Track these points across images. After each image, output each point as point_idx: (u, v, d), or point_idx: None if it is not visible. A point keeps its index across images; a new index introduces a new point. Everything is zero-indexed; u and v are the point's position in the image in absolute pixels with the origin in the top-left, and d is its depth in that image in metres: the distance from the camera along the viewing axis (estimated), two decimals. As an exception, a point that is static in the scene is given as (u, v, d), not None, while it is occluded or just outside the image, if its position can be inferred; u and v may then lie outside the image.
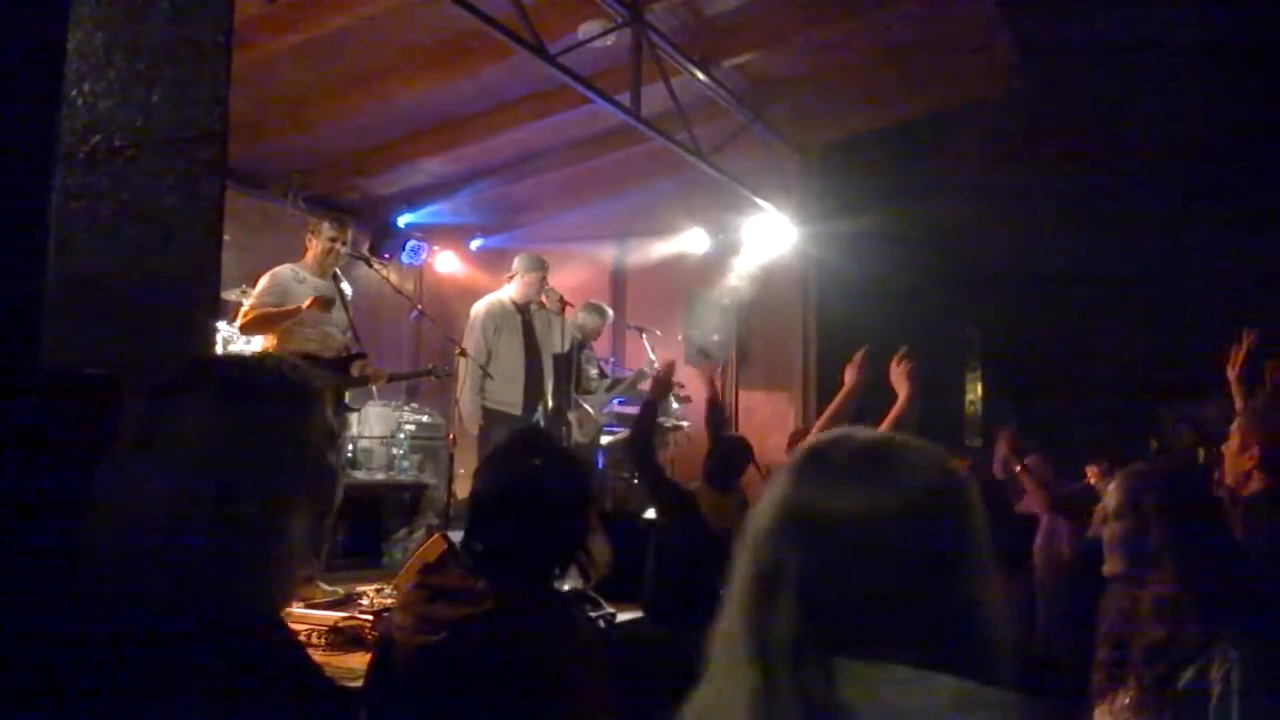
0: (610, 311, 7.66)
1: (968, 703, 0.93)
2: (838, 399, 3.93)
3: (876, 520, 1.03)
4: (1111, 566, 2.08)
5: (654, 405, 4.74)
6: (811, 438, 1.29)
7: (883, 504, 1.04)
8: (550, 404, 6.57)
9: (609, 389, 7.42)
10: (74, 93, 2.12)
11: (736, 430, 6.95)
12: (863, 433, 1.14)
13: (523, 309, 6.58)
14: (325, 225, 5.42)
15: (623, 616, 4.45)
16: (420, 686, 1.92)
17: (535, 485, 2.06)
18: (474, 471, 2.29)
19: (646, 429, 4.68)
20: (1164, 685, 1.86)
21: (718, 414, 5.19)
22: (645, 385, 7.86)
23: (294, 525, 1.23)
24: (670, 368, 4.83)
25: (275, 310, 5.13)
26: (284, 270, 5.27)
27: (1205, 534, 1.98)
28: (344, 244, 5.49)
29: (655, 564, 4.59)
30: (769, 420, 8.24)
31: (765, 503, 1.09)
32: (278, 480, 1.22)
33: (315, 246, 5.41)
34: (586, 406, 7.11)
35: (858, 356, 3.91)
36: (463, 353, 6.27)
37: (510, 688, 1.87)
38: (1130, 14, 7.24)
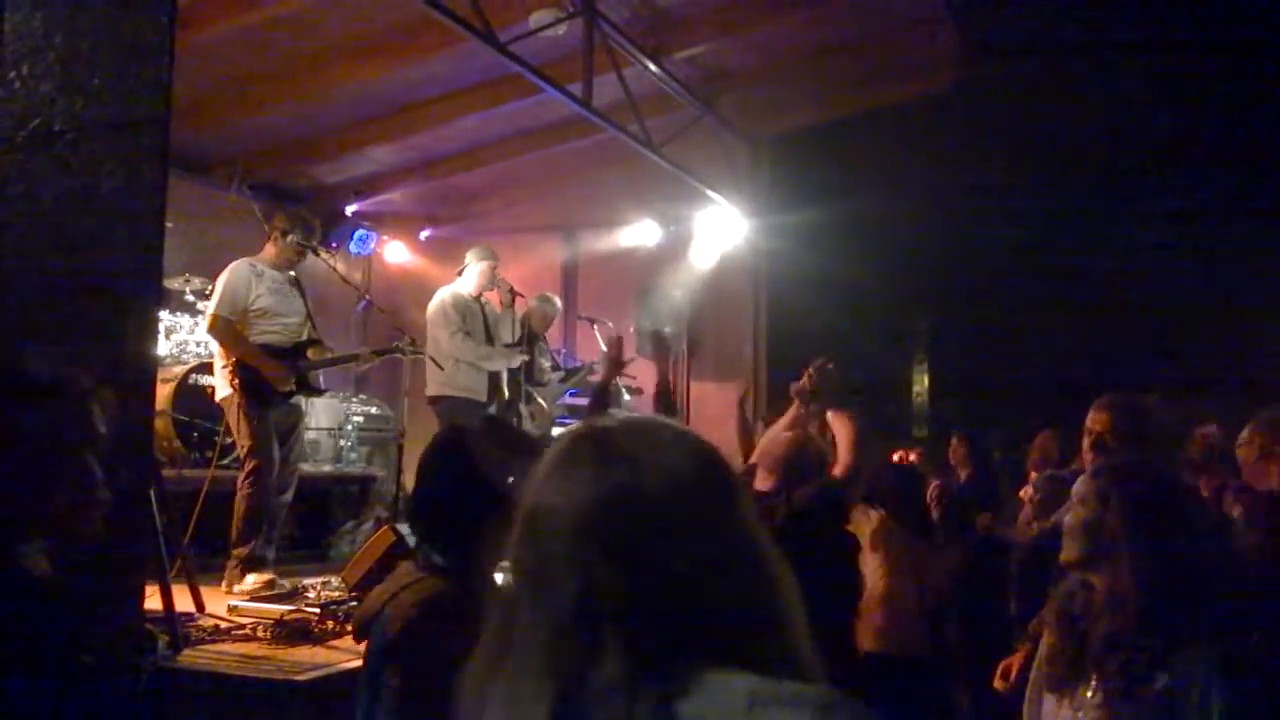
0: (558, 302, 7.64)
1: (763, 700, 0.90)
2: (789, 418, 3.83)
3: (668, 509, 0.98)
4: (1067, 554, 2.10)
5: (606, 387, 4.73)
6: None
7: (672, 491, 0.99)
8: (505, 395, 6.56)
9: (561, 380, 7.40)
10: (12, 75, 2.07)
11: (687, 421, 6.96)
12: (614, 418, 1.08)
13: (479, 300, 6.58)
14: (298, 234, 5.36)
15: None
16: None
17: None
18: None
19: (600, 412, 4.67)
20: (1133, 686, 1.87)
21: (666, 401, 5.20)
22: (596, 377, 7.88)
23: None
24: (619, 344, 4.80)
25: (240, 345, 5.05)
26: (242, 266, 5.24)
27: (1167, 533, 1.98)
28: (311, 247, 5.45)
29: None
30: (720, 411, 8.27)
31: (541, 504, 1.02)
32: None
33: (281, 246, 5.35)
34: (539, 399, 7.10)
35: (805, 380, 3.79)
36: (412, 343, 6.22)
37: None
38: (1073, 13, 7.38)
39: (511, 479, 2.06)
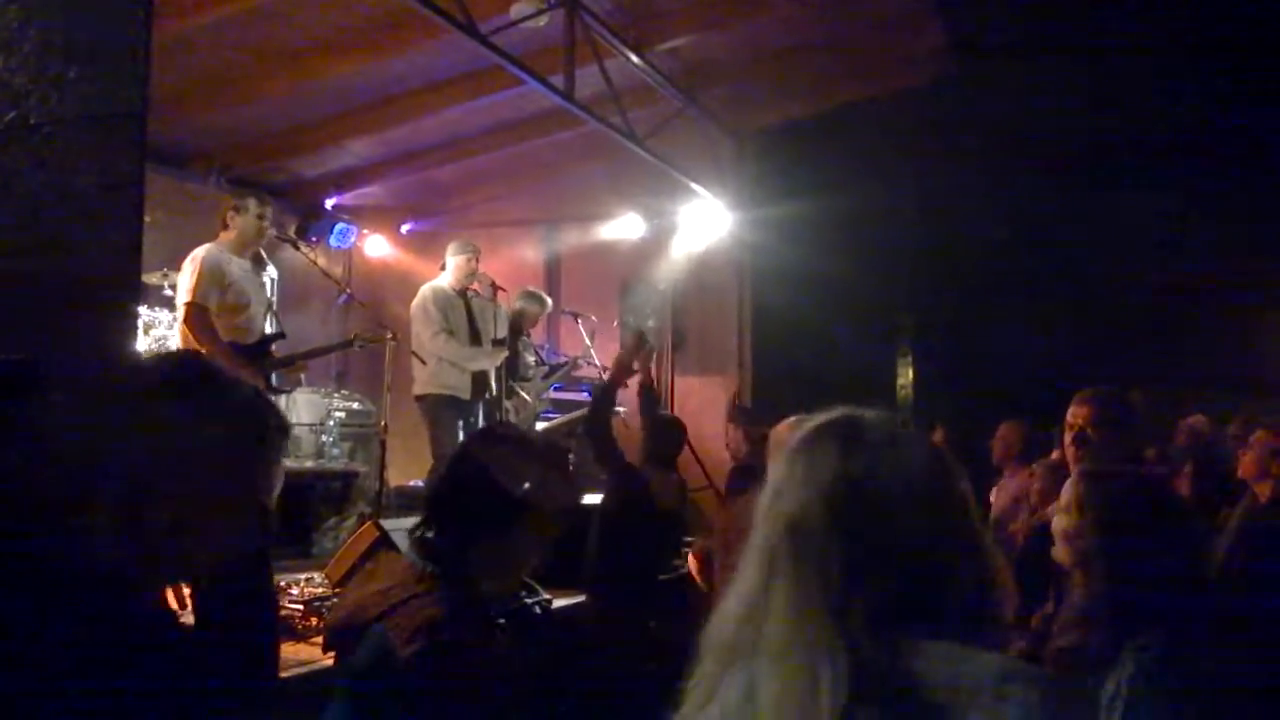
0: (549, 300, 7.62)
1: (1009, 677, 1.01)
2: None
3: (912, 493, 1.10)
4: (1059, 555, 2.10)
5: (614, 388, 4.75)
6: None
7: (914, 478, 1.11)
8: (493, 391, 6.54)
9: (545, 377, 7.39)
10: (-15, 66, 2.03)
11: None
12: (869, 412, 1.20)
13: (462, 295, 6.54)
14: (251, 202, 5.21)
15: (559, 602, 4.43)
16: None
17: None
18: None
19: (605, 412, 4.68)
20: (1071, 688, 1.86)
21: (650, 396, 5.20)
22: (579, 372, 7.87)
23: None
24: (634, 349, 4.82)
25: (212, 340, 4.93)
26: (211, 250, 5.05)
27: (1138, 546, 1.95)
28: (269, 222, 5.33)
29: (601, 546, 4.58)
30: (704, 405, 8.27)
31: (793, 482, 1.14)
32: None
33: (238, 224, 5.19)
34: (523, 394, 7.09)
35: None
36: (394, 337, 6.18)
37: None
38: (1059, 8, 7.39)
39: (529, 484, 1.99)
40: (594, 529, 4.64)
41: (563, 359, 7.86)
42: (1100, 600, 1.92)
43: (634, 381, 5.28)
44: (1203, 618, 1.86)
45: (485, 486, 1.97)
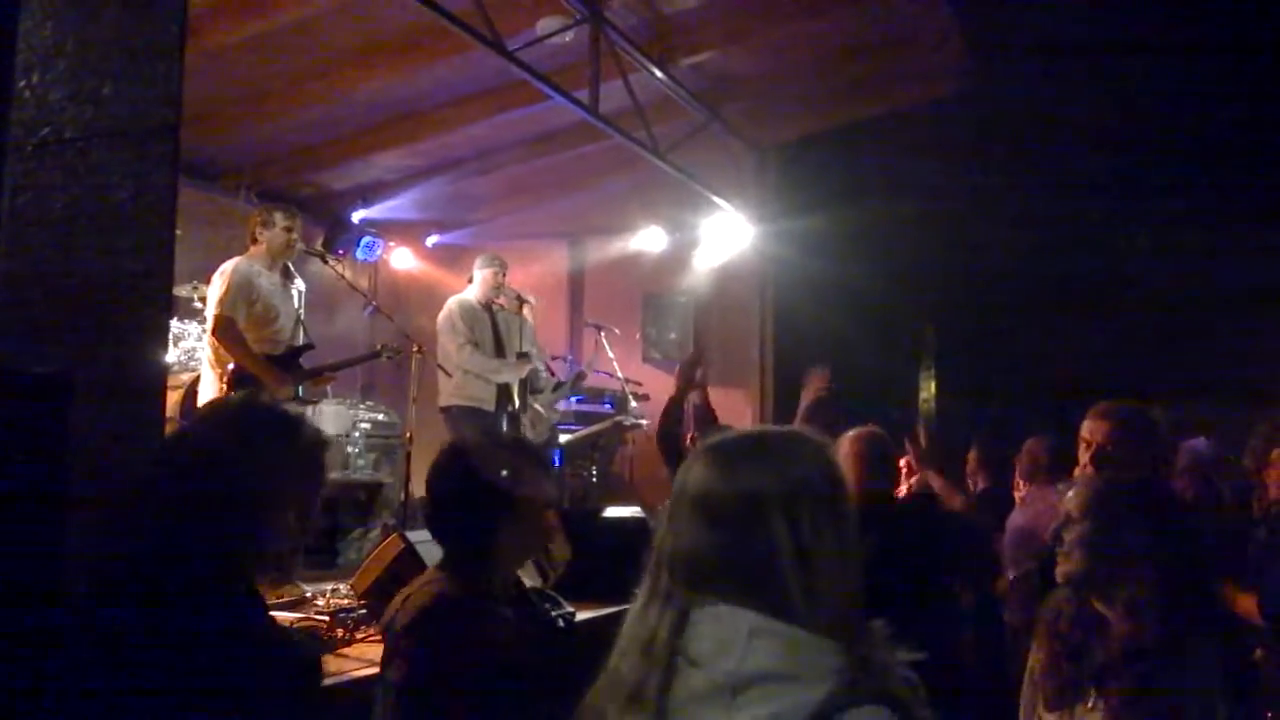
0: (531, 299, 7.53)
1: (760, 631, 1.18)
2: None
3: (719, 496, 1.31)
4: (1067, 567, 2.08)
5: (680, 401, 4.77)
6: None
7: (730, 484, 1.32)
8: (516, 404, 6.57)
9: (554, 390, 7.38)
10: (23, 83, 2.07)
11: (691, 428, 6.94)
12: (742, 430, 1.48)
13: (488, 308, 6.57)
14: (279, 215, 5.26)
15: (583, 615, 4.43)
16: None
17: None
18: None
19: (672, 426, 4.71)
20: (1145, 685, 1.86)
21: (707, 419, 5.09)
22: (602, 384, 7.88)
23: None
24: (694, 363, 4.83)
25: (243, 350, 4.98)
26: (241, 264, 5.10)
27: (1179, 539, 1.99)
28: (297, 234, 5.38)
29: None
30: (725, 418, 8.22)
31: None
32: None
33: (267, 237, 5.24)
34: (537, 406, 7.10)
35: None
36: (419, 349, 6.23)
37: None
38: (1079, 19, 7.37)
39: (513, 480, 2.16)
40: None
41: (580, 368, 7.84)
42: (1159, 605, 1.92)
43: (658, 397, 5.25)
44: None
45: (475, 480, 2.16)
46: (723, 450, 1.37)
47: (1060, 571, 2.11)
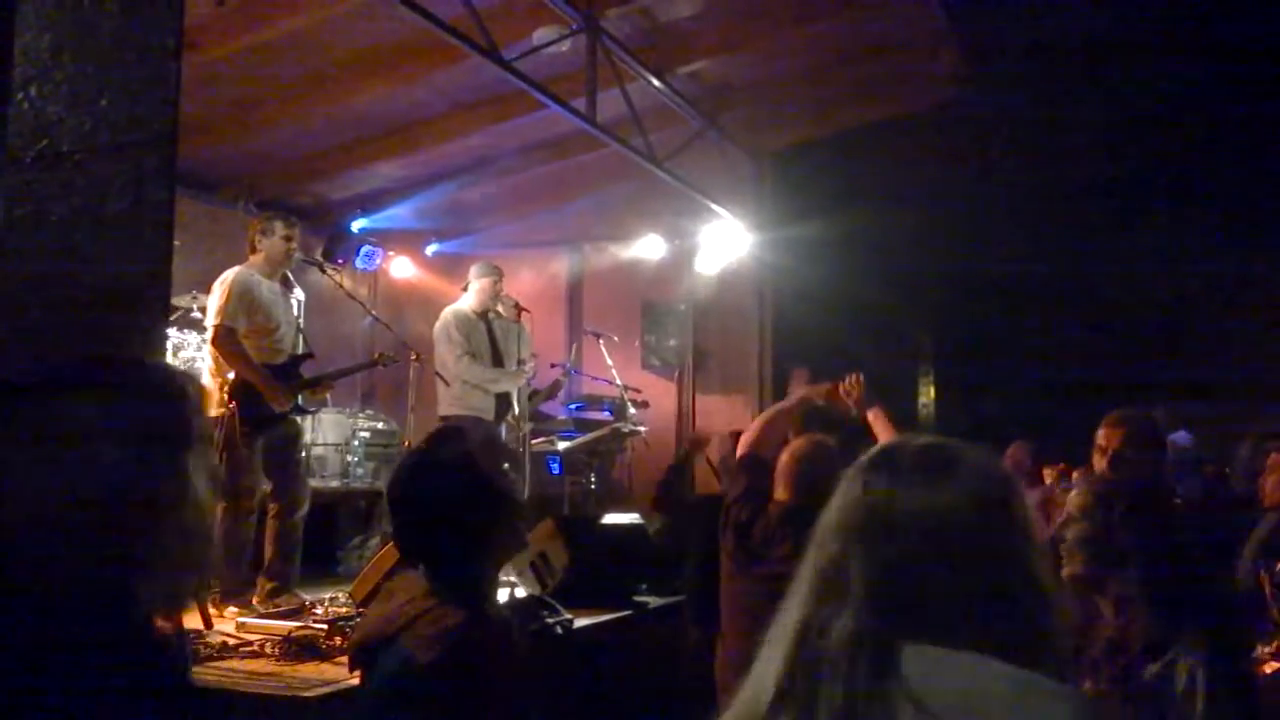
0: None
1: (1026, 690, 0.99)
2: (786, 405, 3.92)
3: (938, 517, 1.11)
4: (1071, 568, 2.11)
5: (683, 469, 4.83)
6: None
7: (943, 501, 1.11)
8: (515, 411, 6.54)
9: (529, 398, 7.33)
10: (20, 96, 2.09)
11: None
12: (919, 437, 1.21)
13: (484, 317, 6.56)
14: (278, 225, 5.27)
15: (581, 621, 4.44)
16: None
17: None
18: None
19: (674, 489, 4.78)
20: (1124, 680, 1.89)
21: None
22: (601, 392, 7.89)
23: (170, 529, 1.21)
24: (701, 442, 4.92)
25: (242, 361, 4.96)
26: (241, 273, 5.09)
27: (1167, 539, 2.02)
28: (296, 243, 5.37)
29: (699, 573, 4.27)
30: (725, 424, 8.26)
31: (832, 503, 1.17)
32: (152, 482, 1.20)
33: (266, 246, 5.23)
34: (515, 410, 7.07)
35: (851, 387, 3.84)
36: (418, 358, 6.24)
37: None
38: (1074, 26, 7.40)
39: (500, 473, 2.10)
40: (696, 559, 4.37)
41: (558, 378, 7.76)
42: (1145, 592, 1.94)
43: (657, 404, 5.22)
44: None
45: (462, 480, 2.04)
46: (934, 459, 1.16)
47: (1064, 573, 2.13)
